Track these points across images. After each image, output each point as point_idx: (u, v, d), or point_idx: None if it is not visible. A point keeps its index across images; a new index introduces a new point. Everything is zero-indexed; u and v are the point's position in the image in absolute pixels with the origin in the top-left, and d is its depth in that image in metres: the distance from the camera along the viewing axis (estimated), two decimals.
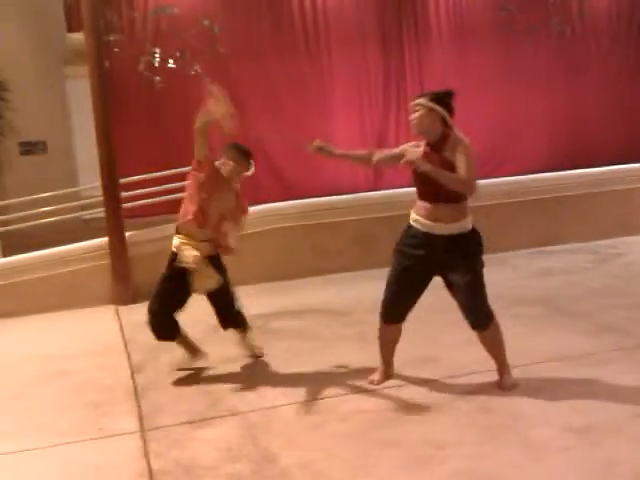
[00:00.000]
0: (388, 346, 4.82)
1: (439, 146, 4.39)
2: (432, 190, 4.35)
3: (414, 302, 4.64)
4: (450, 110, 4.46)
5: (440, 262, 4.46)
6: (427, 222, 4.45)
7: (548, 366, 4.88)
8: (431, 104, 4.38)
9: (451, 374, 4.82)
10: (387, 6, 10.98)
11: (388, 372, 4.85)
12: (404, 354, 5.23)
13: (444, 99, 4.45)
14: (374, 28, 10.96)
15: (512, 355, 4.72)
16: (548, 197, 9.52)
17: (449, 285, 4.53)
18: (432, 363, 5.07)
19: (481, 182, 9.44)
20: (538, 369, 4.83)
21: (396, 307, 4.64)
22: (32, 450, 4.14)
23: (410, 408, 4.34)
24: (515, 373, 4.66)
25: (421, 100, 4.43)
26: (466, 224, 4.45)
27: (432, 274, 4.56)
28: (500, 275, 7.74)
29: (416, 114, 4.42)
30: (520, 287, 7.29)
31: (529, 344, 5.32)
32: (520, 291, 7.09)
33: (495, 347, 4.60)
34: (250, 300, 7.47)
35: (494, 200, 9.08)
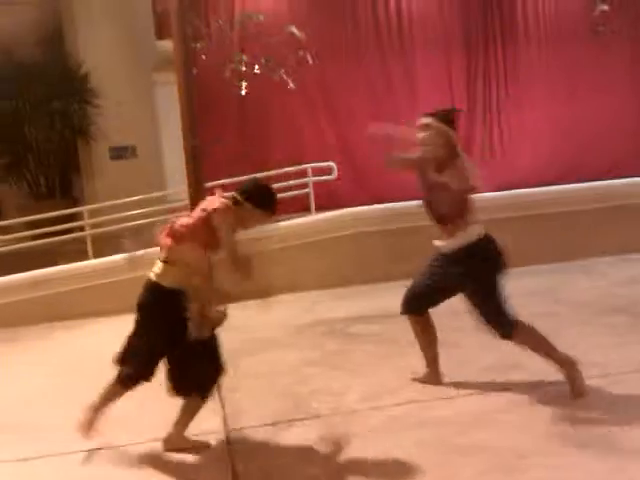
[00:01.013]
0: (419, 340, 4.87)
1: (444, 166, 4.37)
2: (430, 211, 4.45)
3: (432, 299, 4.68)
4: (454, 128, 4.42)
5: (452, 278, 4.46)
6: (436, 241, 4.52)
7: (638, 377, 4.72)
8: (440, 125, 4.36)
9: (536, 381, 4.73)
10: (472, 7, 10.89)
11: (429, 373, 4.87)
12: (487, 360, 5.18)
13: (450, 118, 4.43)
14: (459, 30, 10.89)
15: (601, 364, 4.64)
16: (639, 202, 9.22)
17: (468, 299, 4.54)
18: (517, 369, 4.97)
19: (568, 187, 9.35)
20: (628, 379, 4.67)
21: (413, 297, 4.72)
22: (120, 447, 4.28)
23: (492, 415, 4.27)
24: (604, 383, 4.56)
25: (429, 120, 4.40)
26: (466, 237, 4.39)
27: (452, 289, 4.57)
28: (588, 283, 7.58)
29: (424, 134, 4.40)
30: (608, 295, 7.07)
31: (618, 353, 5.17)
32: (609, 299, 6.88)
33: (536, 350, 4.53)
34: (329, 305, 7.56)
35: (581, 206, 8.87)
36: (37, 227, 9.15)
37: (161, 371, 4.15)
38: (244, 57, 9.96)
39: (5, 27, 10.42)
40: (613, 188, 9.51)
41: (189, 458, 4.05)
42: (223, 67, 9.89)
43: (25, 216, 9.71)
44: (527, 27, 11.05)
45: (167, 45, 9.28)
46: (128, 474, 3.94)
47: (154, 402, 4.93)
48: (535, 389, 4.61)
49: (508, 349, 5.33)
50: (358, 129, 10.42)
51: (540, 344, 4.50)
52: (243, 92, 9.97)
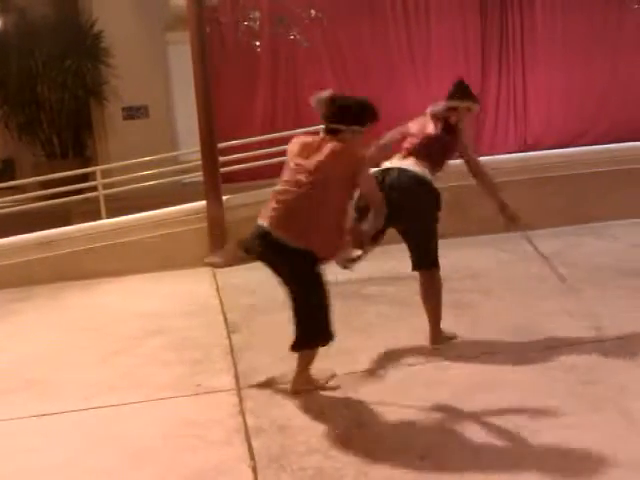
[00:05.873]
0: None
1: None
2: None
3: None
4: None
5: None
6: None
7: None
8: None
9: (549, 344, 4.70)
10: None
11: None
12: (500, 322, 5.16)
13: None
14: None
15: (617, 327, 4.60)
16: None
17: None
18: (529, 332, 4.94)
19: (585, 149, 9.26)
20: None
21: None
22: (135, 403, 4.31)
23: (503, 377, 4.26)
24: (619, 345, 4.52)
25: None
26: None
27: None
28: (601, 246, 7.52)
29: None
30: (624, 258, 7.00)
31: (633, 316, 5.11)
32: (624, 262, 6.81)
33: None
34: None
35: (592, 168, 8.77)
36: (50, 187, 9.15)
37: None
38: (257, 16, 9.82)
39: None
40: (624, 151, 9.37)
41: (201, 415, 4.07)
42: (237, 26, 9.76)
43: (38, 175, 9.72)
44: None
45: (180, 3, 9.18)
46: (141, 431, 3.95)
47: (164, 362, 4.98)
48: (551, 353, 4.56)
49: (525, 312, 5.35)
50: (372, 90, 10.32)
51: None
52: (256, 51, 9.84)
